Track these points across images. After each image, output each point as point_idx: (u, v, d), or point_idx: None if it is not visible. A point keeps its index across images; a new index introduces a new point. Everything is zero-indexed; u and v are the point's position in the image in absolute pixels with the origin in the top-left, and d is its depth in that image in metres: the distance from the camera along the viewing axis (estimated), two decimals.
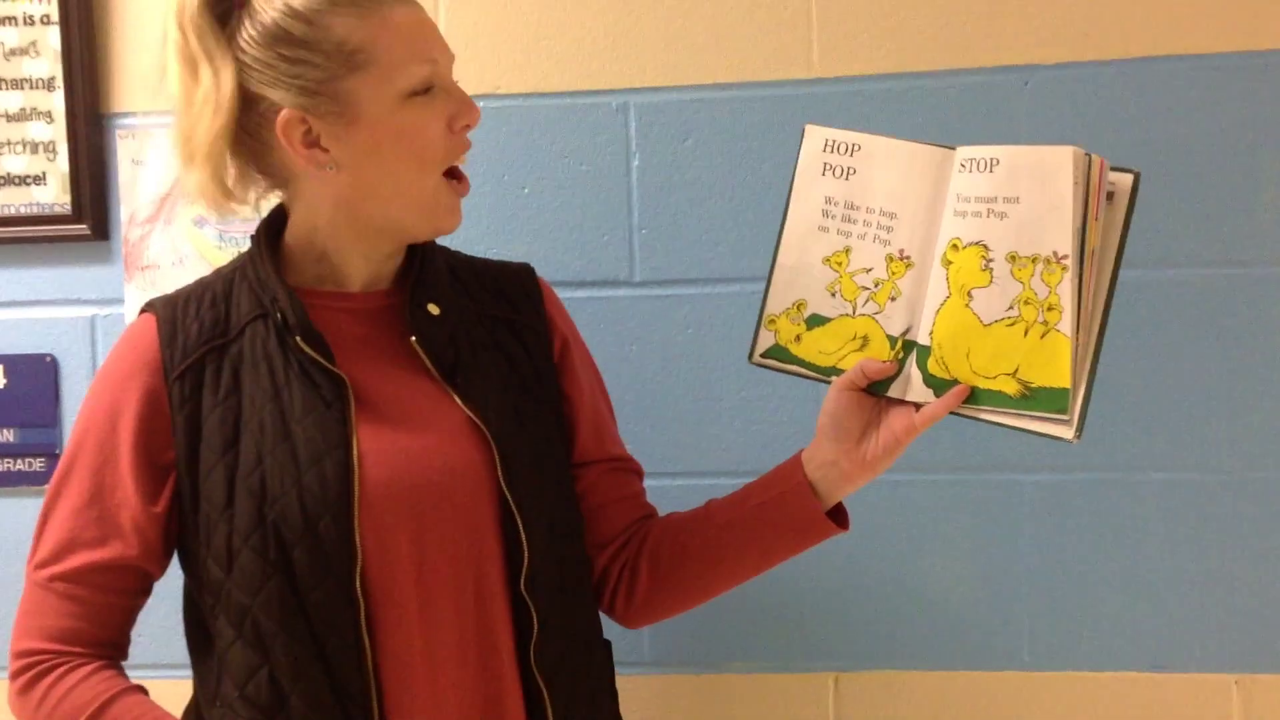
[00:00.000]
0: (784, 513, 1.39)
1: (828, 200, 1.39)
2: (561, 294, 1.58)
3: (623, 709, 1.59)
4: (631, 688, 1.77)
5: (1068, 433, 1.25)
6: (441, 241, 1.52)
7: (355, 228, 1.37)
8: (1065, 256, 1.24)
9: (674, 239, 1.79)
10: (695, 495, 1.49)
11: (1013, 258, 1.27)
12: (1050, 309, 1.25)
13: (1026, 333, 1.26)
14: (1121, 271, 1.68)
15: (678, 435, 1.79)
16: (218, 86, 1.31)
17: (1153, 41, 1.71)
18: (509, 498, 1.34)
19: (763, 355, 1.42)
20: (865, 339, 1.37)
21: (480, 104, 1.76)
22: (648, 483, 1.69)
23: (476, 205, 1.80)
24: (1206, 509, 1.72)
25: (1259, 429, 1.70)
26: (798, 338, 1.40)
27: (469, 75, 1.79)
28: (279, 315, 1.34)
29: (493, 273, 1.51)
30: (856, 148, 1.38)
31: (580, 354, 1.53)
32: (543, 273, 1.56)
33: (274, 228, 1.42)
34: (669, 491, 1.73)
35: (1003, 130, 1.70)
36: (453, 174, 1.37)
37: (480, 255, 1.58)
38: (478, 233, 1.80)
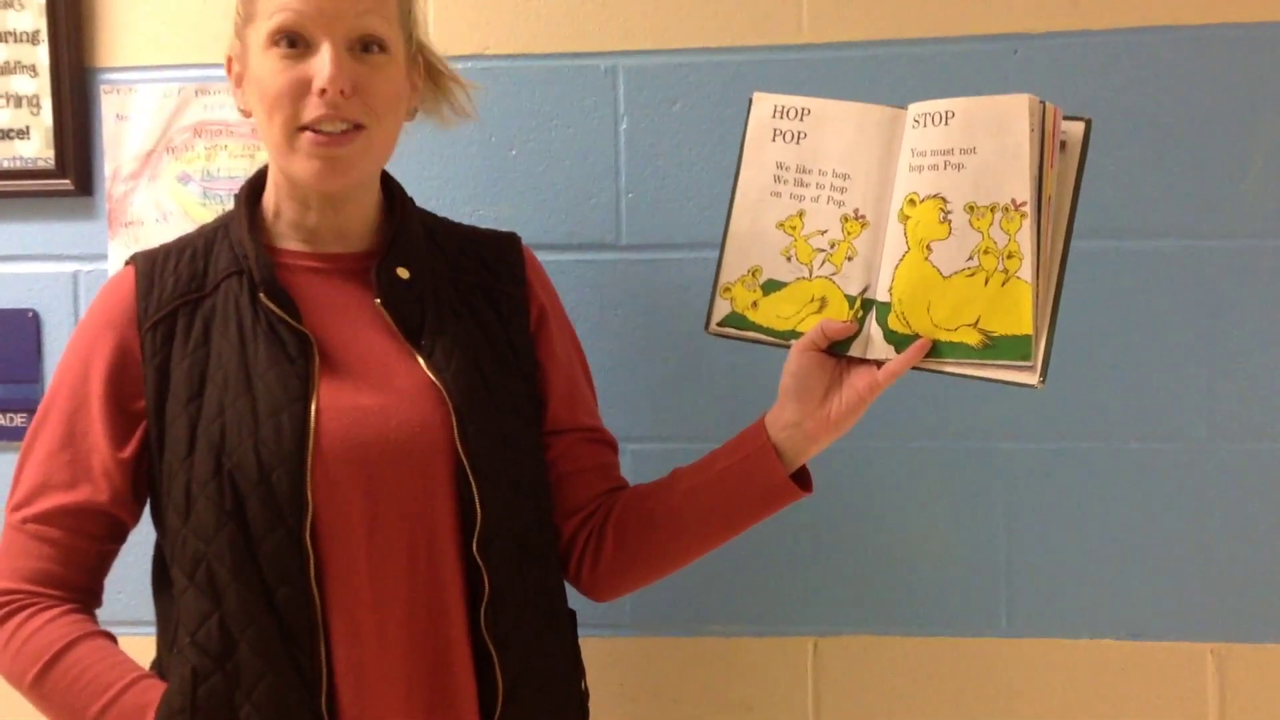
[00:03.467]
0: (748, 477, 1.40)
1: (779, 165, 1.40)
2: (547, 257, 1.59)
3: (603, 672, 1.61)
4: (612, 650, 1.79)
5: (1032, 378, 1.26)
6: (432, 206, 1.52)
7: (279, 179, 1.42)
8: (1024, 203, 1.25)
9: (661, 203, 1.79)
10: (681, 460, 1.49)
11: (971, 208, 1.27)
12: (1010, 257, 1.26)
13: (987, 282, 1.27)
14: (1103, 242, 1.70)
15: (663, 399, 1.79)
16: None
17: (1141, 12, 1.70)
18: (464, 460, 1.34)
19: (719, 324, 1.43)
20: (823, 300, 1.37)
21: (468, 64, 1.79)
22: (634, 447, 1.70)
23: (463, 167, 1.80)
24: (1183, 478, 1.72)
25: (1235, 400, 1.71)
26: (754, 304, 1.41)
27: (457, 36, 1.79)
28: (248, 272, 1.37)
29: (475, 239, 1.52)
30: (806, 112, 1.39)
31: (560, 324, 1.53)
32: (529, 236, 1.56)
33: (256, 187, 1.46)
34: (655, 455, 1.74)
35: None
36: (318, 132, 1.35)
37: (466, 216, 1.59)
38: (465, 195, 1.80)
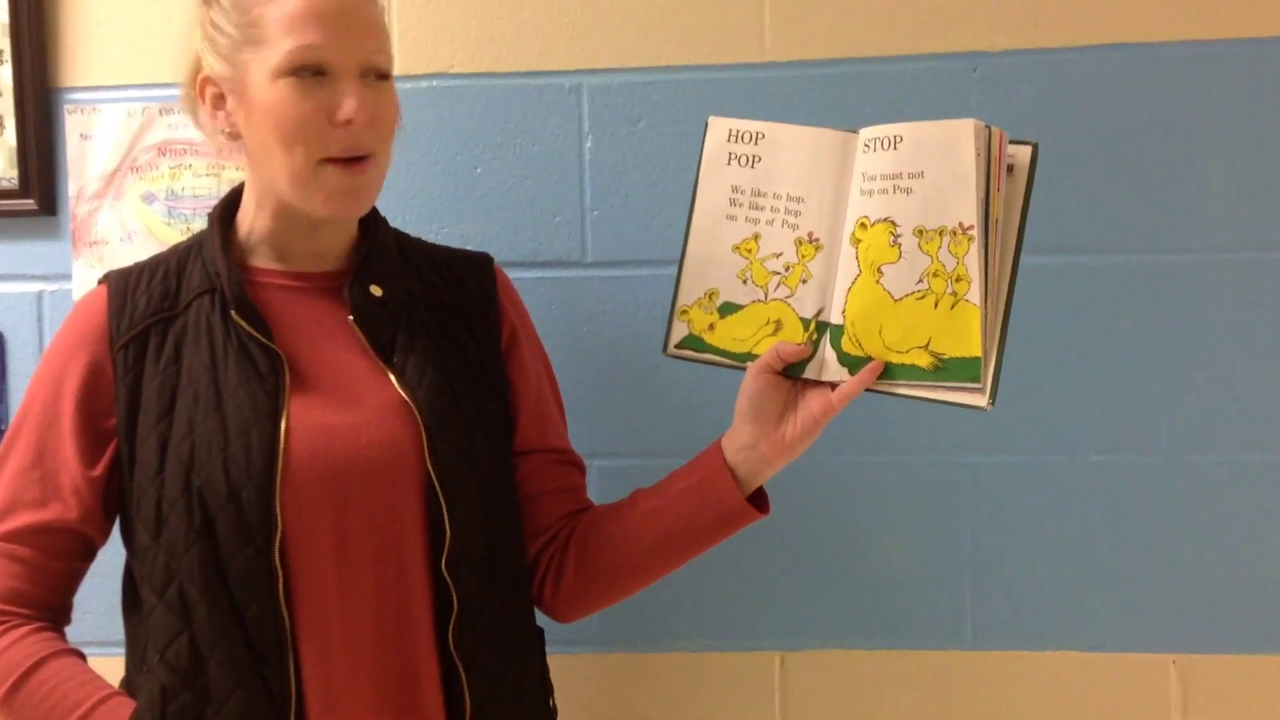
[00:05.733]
0: (705, 499, 1.40)
1: (734, 189, 1.41)
2: (513, 275, 1.59)
3: (569, 688, 1.61)
4: (579, 667, 1.79)
5: (981, 400, 1.27)
6: (397, 224, 1.53)
7: (267, 203, 1.40)
8: (971, 227, 1.25)
9: (626, 220, 1.79)
10: (647, 476, 1.50)
11: (920, 232, 1.28)
12: (958, 280, 1.26)
13: (936, 305, 1.28)
14: (1064, 257, 1.72)
15: (629, 415, 1.80)
16: (188, 45, 1.41)
17: (1100, 30, 1.72)
18: (434, 478, 1.35)
19: (677, 346, 1.44)
20: (778, 323, 1.38)
21: (433, 83, 1.79)
22: (599, 463, 1.70)
23: (428, 185, 1.81)
24: (1145, 491, 1.73)
25: (1197, 412, 1.72)
26: (711, 326, 1.42)
27: (421, 55, 1.80)
28: (220, 290, 1.37)
29: (448, 259, 1.53)
30: (760, 136, 1.41)
31: (531, 345, 1.54)
32: (495, 253, 1.57)
33: (230, 207, 1.45)
34: (621, 472, 1.74)
35: (951, 116, 1.71)
36: (342, 160, 1.35)
37: (432, 234, 1.59)
38: (430, 212, 1.81)
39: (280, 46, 1.31)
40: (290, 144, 1.32)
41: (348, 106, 1.32)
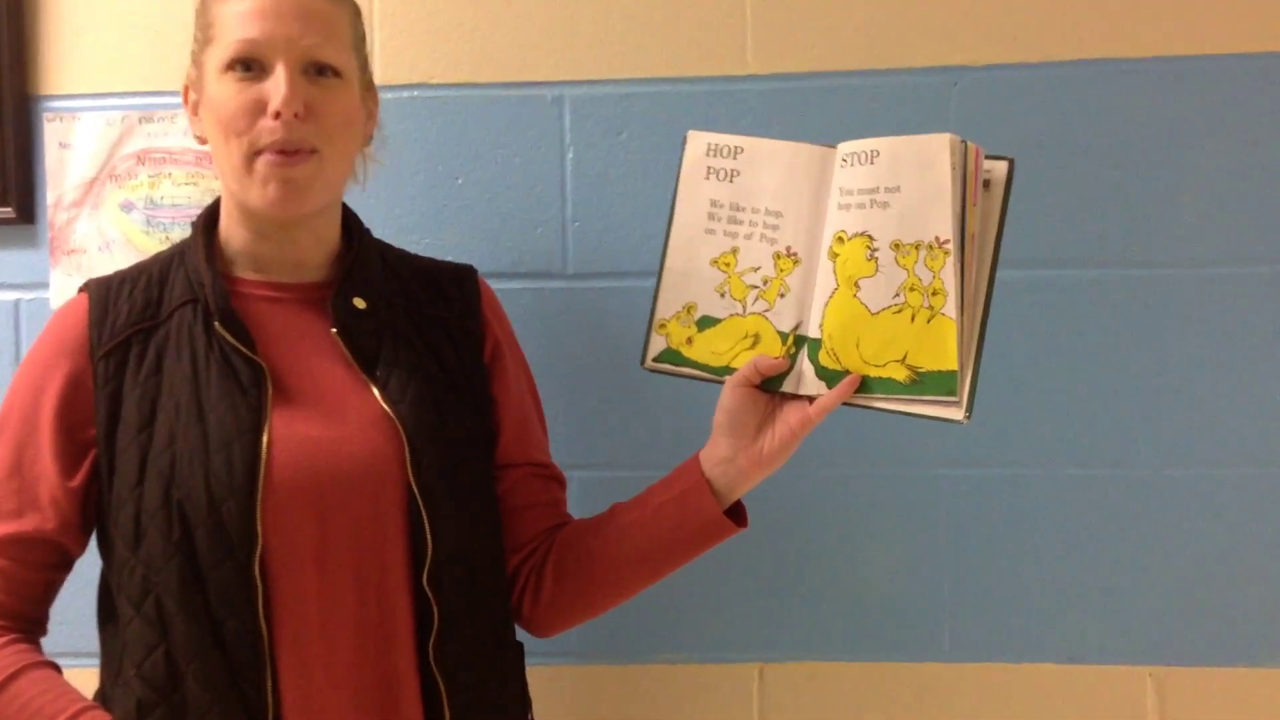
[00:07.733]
0: (683, 512, 1.40)
1: (713, 203, 1.41)
2: (494, 286, 1.59)
3: (549, 701, 1.60)
4: (558, 679, 1.79)
5: (958, 414, 1.27)
6: (378, 234, 1.53)
7: (233, 209, 1.41)
8: (947, 241, 1.26)
9: (607, 232, 1.79)
10: (626, 487, 1.50)
11: (897, 246, 1.29)
12: (935, 294, 1.27)
13: (913, 319, 1.28)
14: (1043, 271, 1.73)
15: (610, 426, 1.80)
16: None
17: (1078, 45, 1.73)
18: (416, 492, 1.34)
19: (655, 359, 1.44)
20: (756, 337, 1.38)
21: (414, 94, 1.79)
22: (580, 474, 1.70)
23: (409, 195, 1.81)
24: (1122, 505, 1.74)
25: (1175, 426, 1.73)
26: (689, 340, 1.42)
27: (402, 65, 1.80)
28: (204, 300, 1.36)
29: (432, 271, 1.52)
30: (739, 150, 1.41)
31: (513, 359, 1.54)
32: (476, 264, 1.57)
33: (213, 216, 1.45)
34: (601, 483, 1.74)
35: (931, 131, 1.71)
36: (276, 151, 1.34)
37: (413, 245, 1.59)
38: (411, 222, 1.80)
39: (224, 42, 1.34)
40: (227, 135, 1.34)
41: (276, 97, 1.32)
